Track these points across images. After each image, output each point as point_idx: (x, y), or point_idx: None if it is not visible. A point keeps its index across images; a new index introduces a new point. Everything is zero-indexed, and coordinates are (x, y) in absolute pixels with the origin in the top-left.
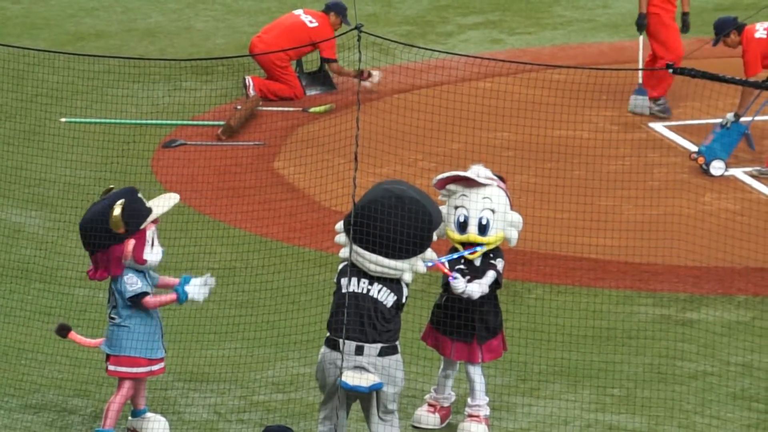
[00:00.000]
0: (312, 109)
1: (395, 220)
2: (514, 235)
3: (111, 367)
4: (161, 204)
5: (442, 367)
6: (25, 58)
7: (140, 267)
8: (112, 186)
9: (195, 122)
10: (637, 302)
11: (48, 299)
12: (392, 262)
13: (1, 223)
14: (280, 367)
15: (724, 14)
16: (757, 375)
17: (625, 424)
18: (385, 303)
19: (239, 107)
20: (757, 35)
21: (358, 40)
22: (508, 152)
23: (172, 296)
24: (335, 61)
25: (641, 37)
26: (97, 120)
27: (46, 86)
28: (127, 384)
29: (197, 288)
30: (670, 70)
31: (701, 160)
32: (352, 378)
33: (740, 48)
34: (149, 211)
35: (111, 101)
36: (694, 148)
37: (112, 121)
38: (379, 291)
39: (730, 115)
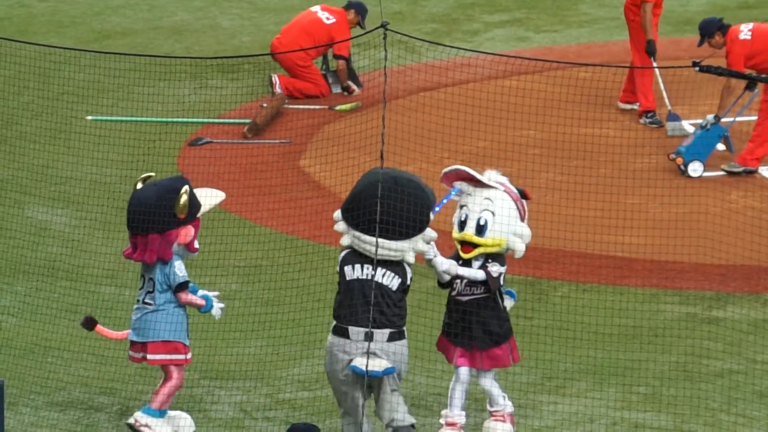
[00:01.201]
0: (338, 107)
1: (393, 202)
2: (519, 246)
3: (150, 356)
4: (206, 195)
5: (453, 378)
6: (51, 56)
7: (188, 256)
8: (151, 173)
9: (221, 120)
10: (663, 300)
11: (74, 297)
12: (394, 244)
13: (27, 221)
14: (306, 365)
15: (746, 12)
16: None
17: (651, 422)
18: (390, 287)
19: (265, 105)
20: (741, 36)
21: (384, 38)
22: (534, 150)
23: (202, 301)
24: (345, 59)
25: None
26: (123, 118)
27: (73, 84)
28: (175, 371)
29: (220, 307)
30: (696, 68)
31: (680, 160)
32: (362, 363)
33: (725, 49)
34: (200, 203)
35: (137, 99)
36: (722, 146)
37: (138, 119)
38: (383, 275)
39: (710, 117)
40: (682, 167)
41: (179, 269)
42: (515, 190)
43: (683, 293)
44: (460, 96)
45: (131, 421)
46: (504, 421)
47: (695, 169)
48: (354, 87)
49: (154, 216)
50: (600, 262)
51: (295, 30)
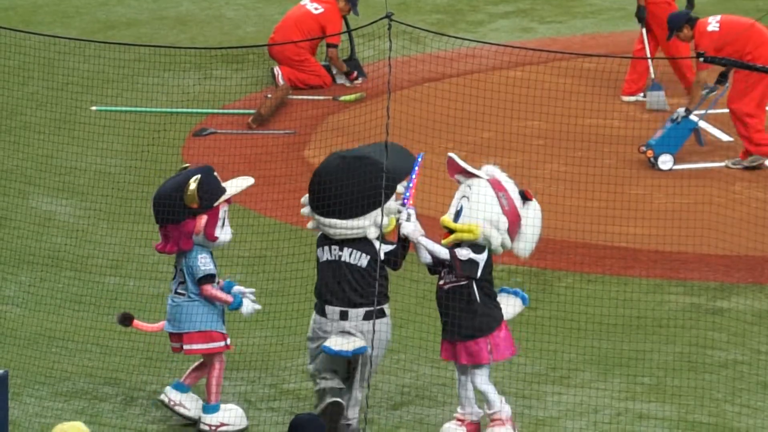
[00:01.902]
0: (342, 98)
1: (339, 182)
2: (494, 234)
3: (186, 347)
4: (236, 185)
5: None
6: (55, 47)
7: (210, 245)
8: (187, 164)
9: (225, 111)
10: (667, 291)
11: (78, 287)
12: (347, 222)
13: (32, 211)
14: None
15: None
16: None
17: (656, 412)
18: (359, 265)
19: (269, 96)
20: (710, 29)
21: (389, 28)
22: (538, 141)
23: (229, 297)
24: (336, 46)
25: (643, 30)
26: (128, 108)
27: (77, 75)
28: (218, 358)
29: (250, 305)
30: (701, 59)
31: (650, 153)
32: (335, 343)
33: (693, 42)
34: (223, 190)
35: (141, 90)
36: (726, 138)
37: (143, 109)
38: (350, 255)
39: (681, 110)
40: (653, 160)
41: (203, 262)
42: (510, 186)
43: (688, 284)
44: (464, 87)
45: (207, 428)
46: (503, 425)
47: (665, 161)
48: (355, 72)
49: (169, 207)
50: (604, 253)
51: (287, 26)
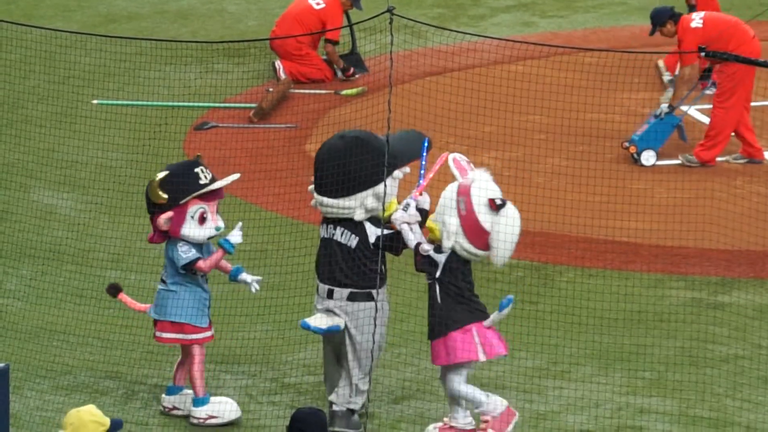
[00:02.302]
0: (344, 92)
1: (333, 161)
2: (445, 236)
3: (158, 334)
4: (219, 182)
5: None
6: (57, 40)
7: (195, 241)
8: (198, 154)
9: (227, 104)
10: (668, 285)
11: (80, 281)
12: (335, 201)
13: (33, 204)
14: (311, 350)
15: None
16: None
17: (656, 407)
18: (348, 245)
19: (271, 90)
20: (693, 25)
21: (390, 22)
22: (539, 135)
23: (219, 252)
24: (336, 43)
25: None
26: (129, 102)
27: (79, 68)
28: (195, 350)
29: (236, 233)
30: (702, 54)
31: (633, 149)
32: (313, 320)
33: (677, 38)
34: (198, 187)
35: (143, 83)
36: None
37: (144, 103)
38: (341, 234)
39: (664, 106)
40: (636, 156)
41: (183, 251)
42: (480, 192)
43: (689, 278)
44: (466, 81)
45: (196, 422)
46: (491, 426)
47: (648, 157)
48: (352, 69)
49: (147, 199)
50: (605, 247)
51: (288, 21)
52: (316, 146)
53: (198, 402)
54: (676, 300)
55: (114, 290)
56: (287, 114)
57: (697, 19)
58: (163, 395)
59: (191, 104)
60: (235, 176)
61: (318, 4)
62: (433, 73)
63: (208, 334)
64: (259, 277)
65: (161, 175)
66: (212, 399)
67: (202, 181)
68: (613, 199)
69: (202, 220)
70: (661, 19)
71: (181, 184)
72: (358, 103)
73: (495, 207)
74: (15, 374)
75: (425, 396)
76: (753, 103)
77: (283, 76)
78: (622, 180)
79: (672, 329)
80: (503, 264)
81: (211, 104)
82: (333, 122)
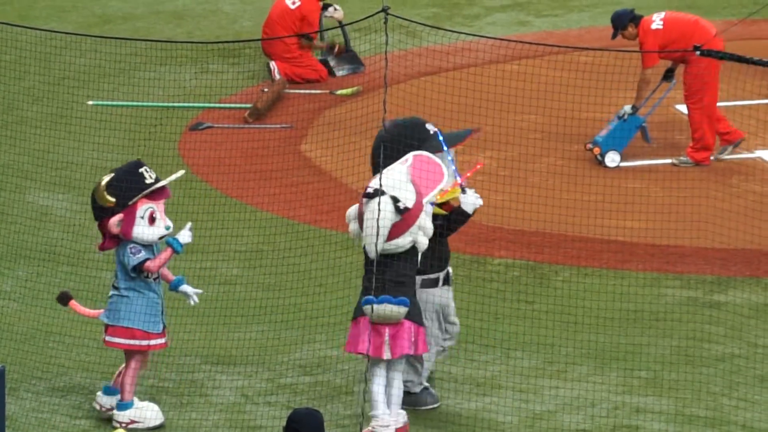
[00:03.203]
0: (339, 92)
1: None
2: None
3: (108, 338)
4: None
5: None
6: (52, 41)
7: (147, 241)
8: (138, 158)
9: (222, 105)
10: (664, 284)
11: (75, 282)
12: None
13: (28, 205)
14: (307, 350)
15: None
16: None
17: (653, 406)
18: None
19: (266, 90)
20: (654, 26)
21: (385, 22)
22: (534, 135)
23: (167, 251)
24: (310, 39)
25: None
26: (124, 103)
27: (74, 69)
28: (135, 357)
29: (185, 233)
30: (697, 52)
31: (597, 150)
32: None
33: (638, 40)
34: (144, 187)
35: (138, 84)
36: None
37: (139, 104)
38: None
39: (627, 108)
40: (599, 157)
41: (133, 252)
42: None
43: (684, 277)
44: (461, 80)
45: (117, 425)
46: None
47: (612, 159)
48: (337, 45)
49: (94, 203)
50: (601, 247)
51: (271, 24)
52: (311, 146)
53: (122, 406)
54: (672, 299)
55: (64, 298)
56: (282, 114)
57: (657, 21)
58: (99, 393)
59: (186, 105)
60: (180, 173)
61: (294, 3)
62: (429, 73)
63: (161, 341)
64: (200, 290)
65: (106, 178)
66: (136, 404)
67: (148, 181)
68: (609, 199)
69: (152, 220)
70: (622, 22)
71: (128, 185)
72: (353, 103)
73: (365, 196)
74: (11, 376)
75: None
76: (763, 101)
77: (278, 76)
78: (617, 179)
79: (668, 328)
80: (373, 255)
81: (207, 105)
82: (328, 122)
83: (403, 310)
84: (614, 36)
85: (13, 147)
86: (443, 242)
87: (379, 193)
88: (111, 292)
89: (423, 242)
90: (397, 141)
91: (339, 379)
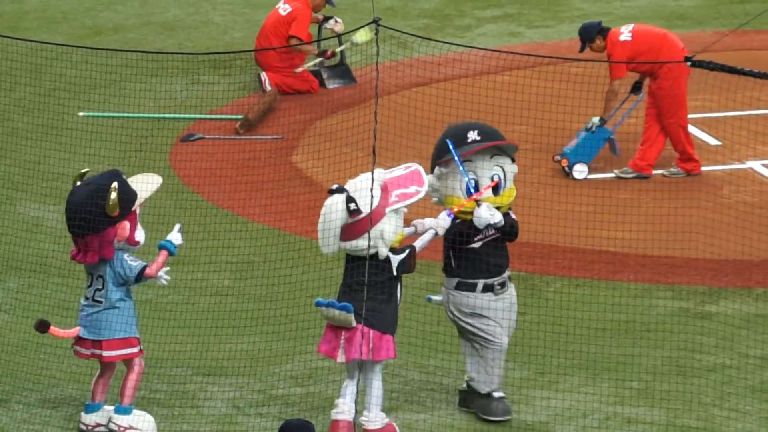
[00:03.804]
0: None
1: None
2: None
3: (106, 353)
4: (143, 181)
5: None
6: (42, 53)
7: (130, 249)
8: (86, 170)
9: (213, 116)
10: (655, 295)
11: (66, 293)
12: None
13: (19, 217)
14: (298, 361)
15: (739, 6)
16: None
17: (644, 417)
18: None
19: (268, 89)
20: (622, 38)
21: (376, 33)
22: (526, 145)
23: (164, 253)
24: (298, 39)
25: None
26: (115, 114)
27: (64, 80)
28: (136, 361)
29: (176, 235)
30: (688, 63)
31: (564, 162)
32: None
33: (606, 52)
34: (135, 193)
35: (129, 95)
36: (714, 141)
37: (130, 115)
38: None
39: (595, 119)
40: (567, 168)
41: (130, 260)
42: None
43: (676, 288)
44: (452, 91)
45: (114, 428)
46: None
47: (580, 170)
48: (329, 50)
49: (88, 218)
50: (592, 257)
51: (265, 34)
52: (302, 157)
53: (122, 410)
54: (663, 310)
55: (43, 327)
56: (273, 126)
57: (625, 33)
58: (83, 414)
59: (177, 116)
60: (156, 178)
61: (285, 10)
62: (420, 84)
63: (142, 346)
64: (167, 268)
65: (113, 189)
66: (135, 411)
67: (134, 187)
68: (600, 209)
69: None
70: (590, 34)
71: (130, 192)
72: (345, 114)
73: (328, 191)
74: (2, 387)
75: (413, 407)
76: (754, 112)
77: (269, 87)
78: (608, 190)
79: (659, 339)
80: (326, 253)
81: (198, 116)
82: (319, 133)
83: (345, 316)
84: (582, 49)
85: (3, 158)
86: (478, 250)
87: (337, 191)
88: (92, 306)
89: (382, 250)
90: (438, 145)
91: (331, 390)
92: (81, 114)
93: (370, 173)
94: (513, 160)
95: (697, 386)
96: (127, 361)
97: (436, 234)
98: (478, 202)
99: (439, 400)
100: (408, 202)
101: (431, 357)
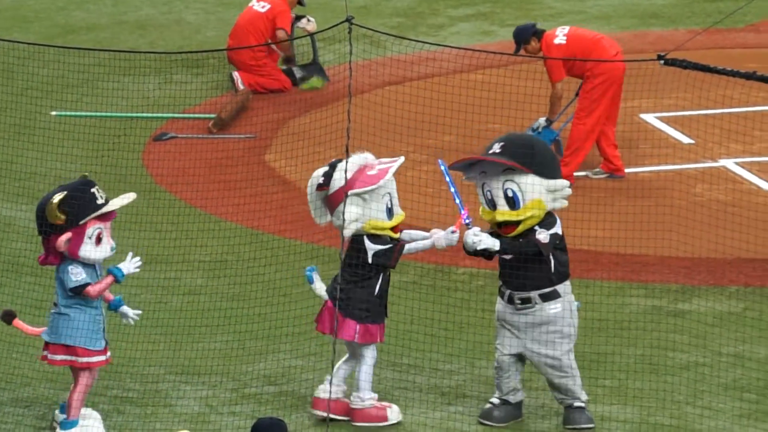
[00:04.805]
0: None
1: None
2: None
3: (49, 356)
4: (115, 203)
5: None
6: (14, 52)
7: (92, 261)
8: (86, 173)
9: (186, 115)
10: (628, 293)
11: (39, 293)
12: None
13: None
14: (271, 360)
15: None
16: (749, 365)
17: (617, 414)
18: None
19: (242, 88)
20: (557, 41)
21: (349, 32)
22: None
23: (109, 278)
24: (284, 31)
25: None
26: (88, 113)
27: (37, 80)
28: (85, 374)
29: (129, 263)
30: (661, 62)
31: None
32: None
33: (542, 54)
34: (96, 207)
35: (101, 94)
36: (687, 140)
37: (103, 114)
38: None
39: (541, 120)
40: None
41: (74, 273)
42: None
43: (649, 286)
44: (425, 90)
45: None
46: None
47: None
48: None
49: (41, 219)
50: None
51: (239, 31)
52: (275, 156)
53: (66, 425)
54: (636, 308)
55: (8, 317)
56: (246, 125)
57: (561, 36)
58: (56, 412)
59: (150, 115)
60: (131, 196)
61: (263, 7)
62: (393, 83)
63: (102, 358)
64: (139, 311)
65: (59, 195)
66: (81, 423)
67: (99, 201)
68: (573, 208)
69: (99, 240)
70: (525, 36)
71: (80, 205)
72: (318, 113)
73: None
74: None
75: (406, 401)
76: (727, 110)
77: (241, 86)
78: (581, 188)
79: (632, 337)
80: (318, 223)
81: (170, 115)
82: (292, 132)
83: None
84: (517, 51)
85: None
86: (509, 261)
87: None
88: (52, 310)
89: (345, 231)
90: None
91: (304, 389)
92: (54, 113)
93: (369, 154)
94: (544, 175)
95: (670, 384)
96: (75, 372)
97: (434, 245)
98: (468, 225)
99: (411, 398)
100: (364, 189)
101: (404, 356)
